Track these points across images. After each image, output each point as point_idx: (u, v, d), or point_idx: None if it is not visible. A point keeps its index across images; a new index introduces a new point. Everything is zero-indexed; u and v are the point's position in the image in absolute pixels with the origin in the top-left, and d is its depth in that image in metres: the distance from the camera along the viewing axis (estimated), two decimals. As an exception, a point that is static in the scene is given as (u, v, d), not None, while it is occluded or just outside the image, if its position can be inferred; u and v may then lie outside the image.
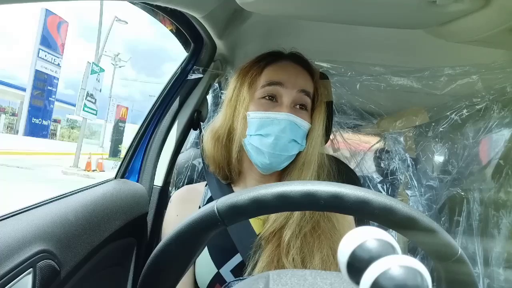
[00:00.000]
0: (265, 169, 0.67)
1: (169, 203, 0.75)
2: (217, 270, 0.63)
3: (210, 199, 0.72)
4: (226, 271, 0.62)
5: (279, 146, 0.64)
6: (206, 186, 0.75)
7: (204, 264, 0.64)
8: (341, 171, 0.74)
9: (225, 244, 0.64)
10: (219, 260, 0.63)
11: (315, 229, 0.63)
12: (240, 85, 0.70)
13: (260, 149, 0.65)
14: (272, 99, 0.66)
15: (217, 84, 1.05)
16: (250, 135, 0.66)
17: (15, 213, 0.46)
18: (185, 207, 0.72)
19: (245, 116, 0.67)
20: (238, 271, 0.62)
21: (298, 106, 0.67)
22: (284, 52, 0.74)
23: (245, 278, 0.58)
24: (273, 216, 0.63)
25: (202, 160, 0.79)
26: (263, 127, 0.64)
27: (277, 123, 0.64)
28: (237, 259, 0.63)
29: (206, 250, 0.64)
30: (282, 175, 0.70)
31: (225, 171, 0.71)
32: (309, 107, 0.69)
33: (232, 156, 0.69)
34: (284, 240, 0.60)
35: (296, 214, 0.62)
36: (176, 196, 0.75)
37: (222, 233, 0.63)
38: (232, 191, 0.71)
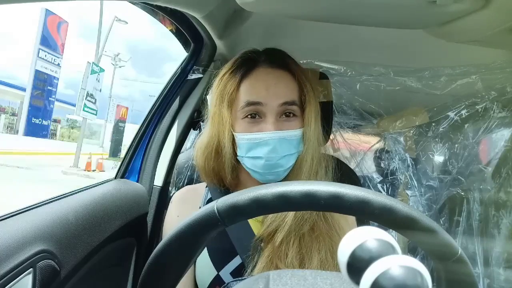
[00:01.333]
0: (265, 182, 0.66)
1: (170, 203, 0.75)
2: (216, 273, 0.62)
3: (210, 201, 0.72)
4: (225, 273, 0.62)
5: (272, 165, 0.63)
6: (206, 187, 0.75)
7: (203, 266, 0.64)
8: (341, 171, 0.74)
9: (225, 246, 0.64)
10: (218, 262, 0.63)
11: (313, 230, 0.63)
12: (219, 103, 0.66)
13: (255, 170, 0.64)
14: (255, 116, 0.64)
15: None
16: (242, 156, 0.65)
17: (15, 213, 0.46)
18: (186, 208, 0.72)
19: (231, 136, 0.65)
20: (238, 273, 0.62)
21: (285, 115, 0.64)
22: (259, 53, 0.69)
23: (245, 278, 0.58)
24: (270, 217, 0.62)
25: None
26: (252, 149, 0.63)
27: (264, 144, 0.62)
28: (236, 261, 0.63)
29: (206, 252, 0.64)
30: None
31: (219, 184, 0.70)
32: (299, 112, 0.65)
33: (225, 173, 0.68)
34: (276, 242, 0.59)
35: (291, 215, 0.61)
36: (177, 196, 0.75)
37: (222, 235, 0.63)
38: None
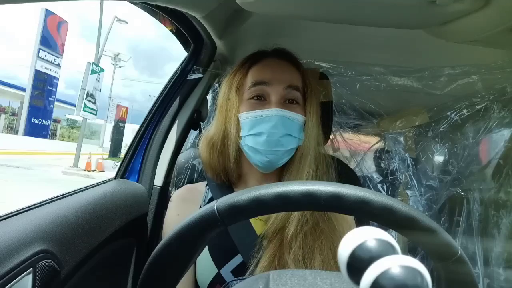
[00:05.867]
0: (265, 167, 0.66)
1: (169, 203, 0.75)
2: (217, 271, 0.63)
3: (211, 199, 0.72)
4: (226, 271, 0.62)
5: (273, 142, 0.64)
6: (206, 186, 0.75)
7: (204, 265, 0.64)
8: (341, 171, 0.74)
9: (226, 245, 0.64)
10: (219, 260, 0.63)
11: (315, 229, 0.63)
12: (228, 90, 0.70)
13: (256, 148, 0.65)
14: (260, 99, 0.67)
15: (217, 84, 1.05)
16: (244, 136, 0.66)
17: (15, 213, 0.46)
18: (186, 207, 0.72)
19: (237, 119, 0.67)
20: (239, 272, 0.62)
21: (288, 101, 0.67)
22: (268, 50, 0.74)
23: (245, 278, 0.58)
24: (274, 216, 0.63)
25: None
26: (255, 126, 0.65)
27: (267, 120, 0.64)
28: (237, 259, 0.63)
29: (206, 250, 0.64)
30: (282, 171, 0.70)
31: (223, 176, 0.71)
32: (301, 101, 0.69)
33: (230, 161, 0.69)
34: (287, 237, 0.60)
35: (295, 214, 0.62)
36: (176, 195, 0.75)
37: (223, 234, 0.63)
38: (233, 191, 0.71)
